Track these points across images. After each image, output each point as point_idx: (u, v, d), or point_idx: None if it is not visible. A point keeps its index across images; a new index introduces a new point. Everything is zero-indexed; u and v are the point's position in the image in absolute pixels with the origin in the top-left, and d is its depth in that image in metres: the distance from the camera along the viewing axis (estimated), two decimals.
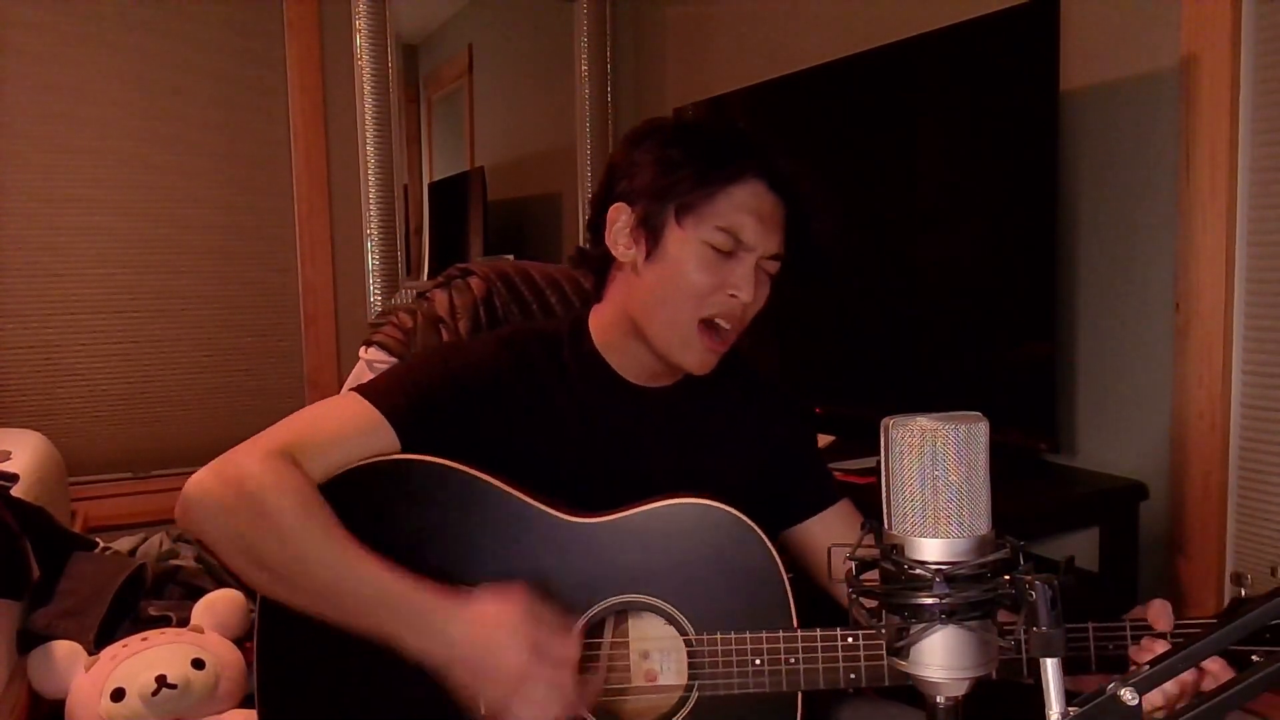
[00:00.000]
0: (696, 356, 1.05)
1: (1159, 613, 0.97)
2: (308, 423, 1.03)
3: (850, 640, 0.96)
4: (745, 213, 1.02)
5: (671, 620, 1.00)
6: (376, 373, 1.28)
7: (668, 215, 1.02)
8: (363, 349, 1.36)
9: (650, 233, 1.03)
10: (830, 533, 1.15)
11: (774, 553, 1.01)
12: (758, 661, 0.97)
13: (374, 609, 0.91)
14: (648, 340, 1.06)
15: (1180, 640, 0.95)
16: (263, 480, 0.94)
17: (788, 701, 0.99)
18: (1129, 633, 0.98)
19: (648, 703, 1.01)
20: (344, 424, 1.02)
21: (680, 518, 1.01)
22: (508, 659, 0.89)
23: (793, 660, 0.97)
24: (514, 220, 3.69)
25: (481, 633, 0.90)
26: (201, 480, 0.97)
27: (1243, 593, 0.99)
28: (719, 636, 0.98)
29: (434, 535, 1.00)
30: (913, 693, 0.66)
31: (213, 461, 0.98)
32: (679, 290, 1.02)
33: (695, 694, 0.98)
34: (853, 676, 0.97)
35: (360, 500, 0.99)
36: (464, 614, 0.91)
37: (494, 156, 3.88)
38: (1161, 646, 0.94)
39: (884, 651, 0.94)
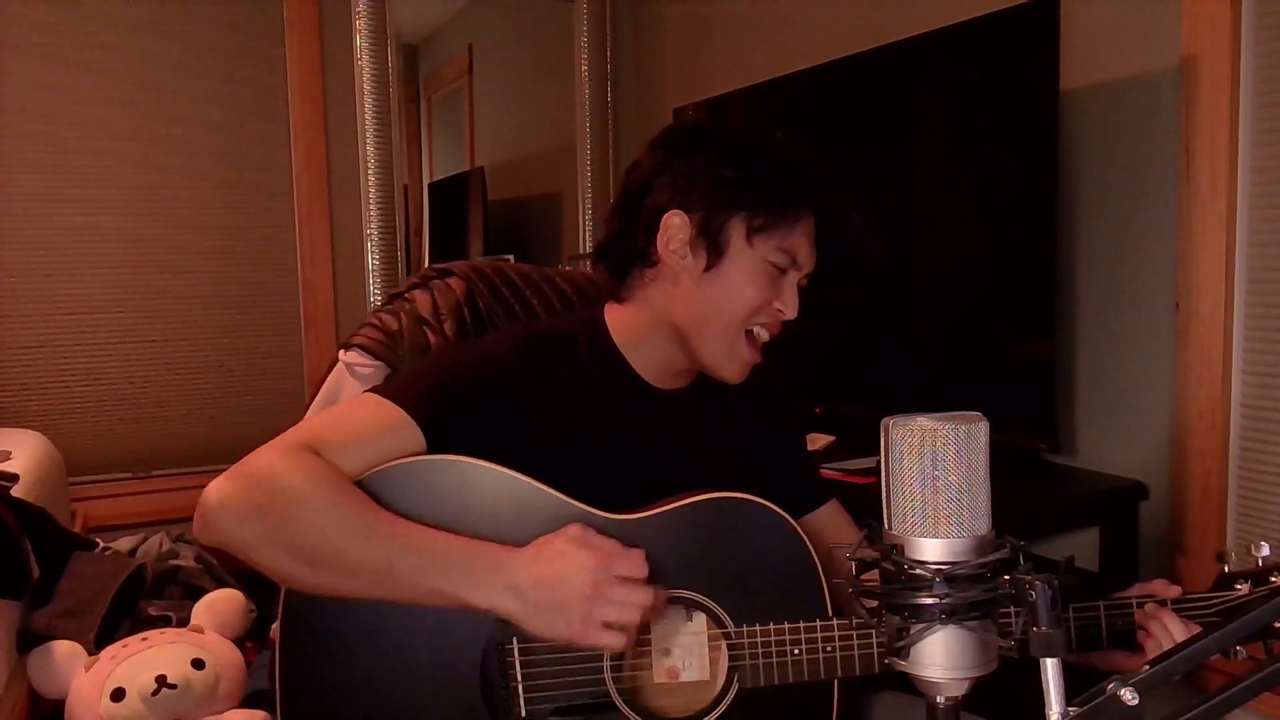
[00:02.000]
0: (737, 367, 1.08)
1: (1163, 586, 1.05)
2: (329, 423, 1.01)
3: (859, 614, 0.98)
4: (803, 235, 1.06)
5: (712, 615, 1.01)
6: (358, 376, 1.26)
7: (734, 232, 1.04)
8: (341, 352, 1.30)
9: (713, 246, 1.04)
10: (823, 531, 1.18)
11: (808, 543, 1.03)
12: (796, 651, 0.99)
13: (433, 575, 0.92)
14: (693, 347, 1.07)
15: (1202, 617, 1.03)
16: (290, 471, 0.93)
17: (825, 692, 1.01)
18: (1135, 606, 1.04)
19: (682, 699, 1.02)
20: (366, 423, 1.00)
21: (714, 513, 1.03)
22: (580, 583, 0.90)
23: (829, 648, 0.99)
24: (514, 220, 3.70)
25: (545, 569, 0.91)
26: (222, 486, 0.94)
27: (1226, 569, 1.06)
28: (758, 628, 0.99)
29: (470, 532, 0.99)
30: None
31: (229, 469, 0.96)
32: (736, 304, 1.05)
33: (735, 686, 0.99)
34: (887, 661, 0.98)
35: (395, 500, 0.98)
36: (524, 558, 0.92)
37: (494, 156, 3.89)
38: (1165, 613, 1.00)
39: None
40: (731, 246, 1.04)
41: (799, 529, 1.03)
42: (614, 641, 0.91)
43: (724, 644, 1.00)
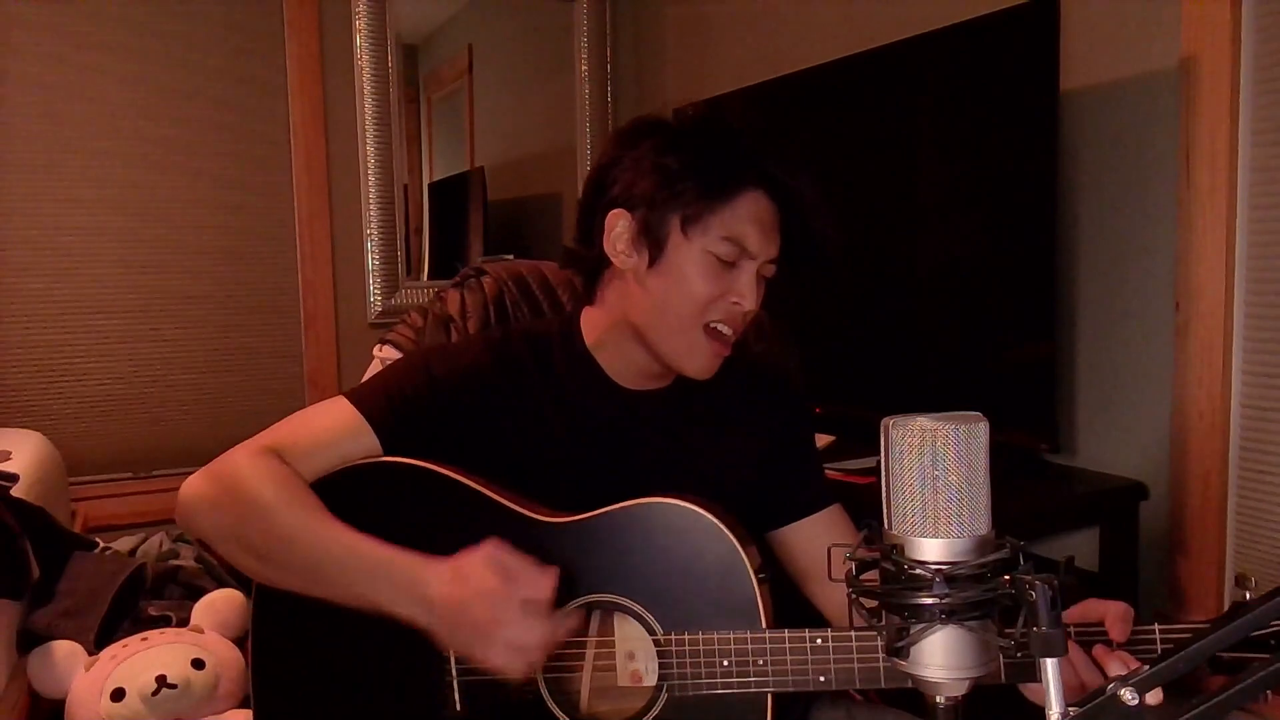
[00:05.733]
0: (701, 362, 1.05)
1: (1116, 619, 0.91)
2: (295, 427, 1.06)
3: (819, 641, 0.95)
4: (749, 222, 1.02)
5: (640, 619, 0.99)
6: None
7: (671, 226, 1.02)
8: (377, 348, 1.39)
9: (653, 242, 1.02)
10: (818, 537, 1.14)
11: (742, 552, 0.99)
12: (725, 662, 0.97)
13: (358, 580, 0.94)
14: (651, 346, 1.06)
15: (1169, 647, 0.89)
16: (247, 471, 0.99)
17: (757, 704, 0.98)
18: (1073, 635, 0.92)
19: (620, 703, 1.01)
20: (329, 428, 1.05)
21: (650, 518, 1.01)
22: (479, 606, 0.89)
23: (761, 661, 0.96)
24: (514, 220, 3.69)
25: (455, 590, 0.91)
26: (193, 482, 1.02)
27: (1247, 595, 0.97)
28: (686, 636, 0.97)
29: (407, 535, 1.01)
30: (887, 695, 0.66)
31: (204, 466, 1.04)
32: (684, 300, 1.02)
33: (664, 694, 0.98)
34: (822, 679, 0.96)
35: (340, 503, 1.00)
36: (439, 573, 0.92)
37: (494, 156, 3.88)
38: (1114, 659, 0.88)
39: (853, 654, 0.94)
40: (670, 242, 1.02)
41: (732, 536, 0.99)
42: (514, 666, 0.90)
43: (656, 651, 0.98)
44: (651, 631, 0.99)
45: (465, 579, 0.91)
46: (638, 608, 0.99)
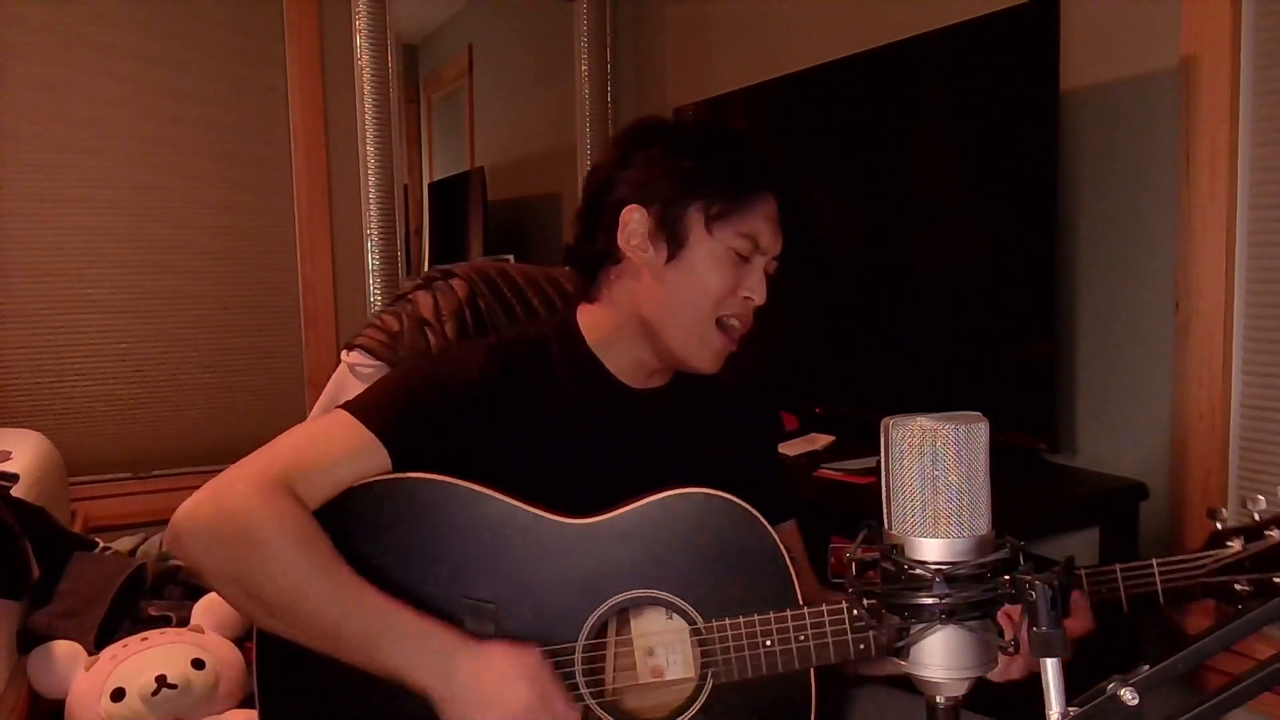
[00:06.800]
0: (711, 356, 1.07)
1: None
2: (301, 447, 1.01)
3: (857, 612, 0.97)
4: (763, 219, 1.06)
5: (679, 611, 1.00)
6: (360, 376, 1.27)
7: (693, 220, 1.04)
8: (344, 352, 1.31)
9: (672, 237, 1.04)
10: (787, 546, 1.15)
11: (773, 534, 1.02)
12: (768, 642, 0.98)
13: (377, 644, 0.91)
14: (662, 340, 1.07)
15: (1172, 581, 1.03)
16: (260, 514, 0.93)
17: (801, 683, 1.00)
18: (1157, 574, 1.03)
19: (658, 699, 1.02)
20: (337, 447, 1.01)
21: (677, 509, 1.02)
22: (514, 699, 0.89)
23: (802, 637, 0.98)
24: (514, 220, 3.70)
25: (491, 674, 0.91)
26: (194, 510, 0.95)
27: (1219, 526, 1.02)
28: (728, 622, 0.99)
29: (434, 550, 1.00)
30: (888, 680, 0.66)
31: (203, 488, 0.96)
32: (702, 293, 1.04)
33: (710, 682, 0.99)
34: (862, 647, 0.98)
35: (359, 521, 0.99)
36: (474, 655, 0.92)
37: (494, 156, 3.88)
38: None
39: None
40: (691, 236, 1.04)
41: (762, 519, 1.02)
42: None
43: (696, 640, 0.99)
44: (691, 621, 0.99)
45: (499, 679, 0.90)
46: (675, 599, 1.00)
